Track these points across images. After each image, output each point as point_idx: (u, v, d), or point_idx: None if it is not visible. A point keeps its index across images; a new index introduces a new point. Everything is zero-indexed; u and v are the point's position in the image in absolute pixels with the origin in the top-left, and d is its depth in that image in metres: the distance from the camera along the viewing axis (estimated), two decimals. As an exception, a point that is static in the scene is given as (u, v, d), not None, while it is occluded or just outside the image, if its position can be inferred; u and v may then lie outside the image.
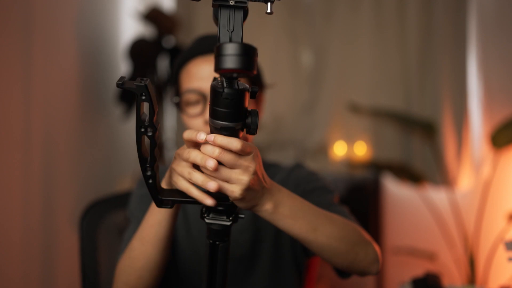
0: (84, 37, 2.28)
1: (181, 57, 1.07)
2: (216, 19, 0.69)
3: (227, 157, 0.68)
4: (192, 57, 1.04)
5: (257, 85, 1.09)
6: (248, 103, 0.78)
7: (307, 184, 1.09)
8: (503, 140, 2.19)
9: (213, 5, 0.68)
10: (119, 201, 1.30)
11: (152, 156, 0.73)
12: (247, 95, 0.68)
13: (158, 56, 2.34)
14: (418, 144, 2.45)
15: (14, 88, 1.73)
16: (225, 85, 0.66)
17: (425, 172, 2.42)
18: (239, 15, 0.67)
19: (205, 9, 2.62)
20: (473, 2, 2.42)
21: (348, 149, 2.54)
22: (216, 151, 0.68)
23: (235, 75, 0.64)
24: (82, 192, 2.13)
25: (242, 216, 0.78)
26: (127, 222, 1.06)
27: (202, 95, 1.01)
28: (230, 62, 0.61)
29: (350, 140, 2.54)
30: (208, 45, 1.04)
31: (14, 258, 1.72)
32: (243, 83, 0.68)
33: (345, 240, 0.86)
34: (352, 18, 2.53)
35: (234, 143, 0.67)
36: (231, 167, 0.69)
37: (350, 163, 2.51)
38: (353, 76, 2.54)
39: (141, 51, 2.27)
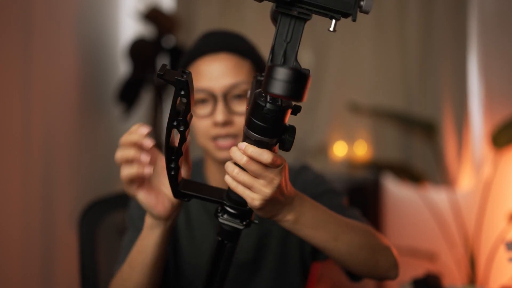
0: (84, 36, 2.28)
1: (189, 55, 1.03)
2: (274, 21, 0.66)
3: (253, 167, 0.67)
4: (200, 55, 1.00)
5: None
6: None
7: (315, 187, 1.06)
8: (504, 140, 2.19)
9: (275, 11, 0.64)
10: (119, 201, 1.29)
11: (179, 150, 0.72)
12: (289, 112, 0.66)
13: (157, 56, 2.34)
14: (418, 144, 2.45)
15: (14, 88, 1.73)
16: (268, 99, 0.63)
17: (425, 172, 2.41)
18: (299, 27, 0.63)
19: (205, 9, 2.62)
20: (473, 2, 2.42)
21: (348, 149, 2.54)
22: (243, 159, 0.66)
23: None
24: (81, 191, 2.13)
25: (256, 222, 0.78)
26: (126, 225, 1.05)
27: (212, 95, 0.98)
28: (280, 88, 0.57)
29: (350, 140, 2.54)
30: (217, 43, 1.01)
31: (14, 257, 1.72)
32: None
33: (366, 247, 0.85)
34: (353, 18, 2.53)
35: (265, 155, 0.66)
36: (256, 176, 0.68)
37: (350, 163, 2.50)
38: (354, 76, 2.53)
39: (140, 51, 2.27)
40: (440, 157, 2.39)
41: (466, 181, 2.40)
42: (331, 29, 0.61)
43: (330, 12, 0.60)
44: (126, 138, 0.73)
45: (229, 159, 0.91)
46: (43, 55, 1.90)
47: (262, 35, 2.56)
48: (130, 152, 0.72)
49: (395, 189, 2.54)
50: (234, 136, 0.99)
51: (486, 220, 2.29)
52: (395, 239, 2.52)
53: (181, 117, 0.69)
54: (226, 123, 0.97)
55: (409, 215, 2.52)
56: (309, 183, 1.08)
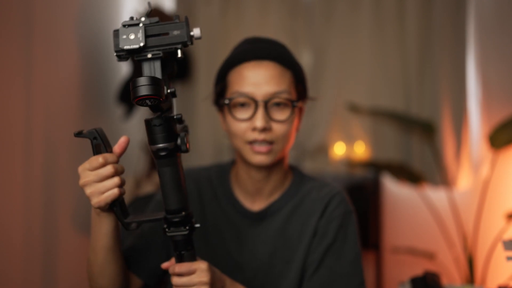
0: (85, 37, 2.29)
1: (232, 58, 1.06)
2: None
3: (179, 282, 0.89)
4: (245, 60, 1.03)
5: (303, 97, 1.09)
6: (294, 115, 1.03)
7: (340, 228, 1.06)
8: (502, 141, 2.20)
9: (135, 61, 0.82)
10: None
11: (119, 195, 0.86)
12: (174, 122, 0.82)
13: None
14: (417, 144, 2.46)
15: (15, 88, 1.74)
16: (154, 116, 0.81)
17: (424, 172, 2.42)
18: (157, 64, 0.80)
19: (205, 9, 2.63)
20: (472, 3, 2.43)
21: (347, 149, 2.55)
22: (173, 280, 0.90)
23: (147, 101, 0.76)
24: (83, 192, 2.13)
25: (198, 225, 0.89)
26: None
27: (253, 100, 1.01)
28: (143, 90, 0.75)
29: (349, 140, 2.55)
30: (262, 50, 1.04)
31: (15, 259, 1.73)
32: (169, 113, 0.84)
33: None
34: (352, 18, 2.54)
35: (177, 268, 0.88)
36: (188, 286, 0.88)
37: (349, 163, 2.51)
38: (353, 77, 2.54)
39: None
40: (438, 157, 2.40)
41: (464, 181, 2.42)
42: (179, 55, 0.79)
43: (173, 45, 0.79)
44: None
45: (264, 164, 1.03)
46: (44, 56, 1.91)
47: (262, 35, 2.57)
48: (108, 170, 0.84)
49: (394, 189, 2.55)
50: (270, 143, 1.03)
51: (484, 219, 2.31)
52: (394, 238, 2.53)
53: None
54: (265, 129, 1.01)
55: (408, 215, 2.53)
56: (337, 216, 1.07)
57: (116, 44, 0.79)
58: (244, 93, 1.01)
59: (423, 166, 2.44)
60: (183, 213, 0.86)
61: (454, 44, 2.41)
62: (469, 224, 2.36)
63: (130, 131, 2.55)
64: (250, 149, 1.03)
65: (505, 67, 2.39)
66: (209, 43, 2.59)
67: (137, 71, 2.27)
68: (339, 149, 2.56)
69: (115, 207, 0.86)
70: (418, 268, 2.36)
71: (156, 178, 2.24)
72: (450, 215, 2.39)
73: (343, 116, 2.54)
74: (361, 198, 2.38)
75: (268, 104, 1.02)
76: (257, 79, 1.01)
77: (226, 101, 1.04)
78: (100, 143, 0.85)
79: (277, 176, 1.10)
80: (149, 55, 0.79)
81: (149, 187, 2.20)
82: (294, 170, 1.17)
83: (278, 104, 1.03)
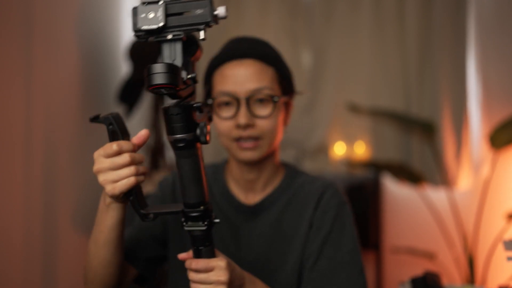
0: (85, 37, 2.29)
1: (215, 59, 1.09)
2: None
3: (196, 278, 0.86)
4: (227, 60, 1.06)
5: (289, 92, 1.11)
6: (278, 110, 1.02)
7: (336, 217, 1.08)
8: (502, 140, 2.20)
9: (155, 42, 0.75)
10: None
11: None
12: (193, 111, 0.77)
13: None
14: (417, 144, 2.46)
15: (15, 89, 1.74)
16: (171, 105, 0.76)
17: (424, 172, 2.42)
18: (178, 46, 0.74)
19: (205, 9, 2.62)
20: (472, 3, 2.43)
21: (347, 149, 2.55)
22: (189, 275, 0.87)
23: (163, 90, 0.72)
24: (83, 192, 2.13)
25: (217, 220, 0.86)
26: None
27: (236, 98, 1.03)
28: (158, 79, 0.70)
29: (349, 140, 2.55)
30: (243, 49, 1.07)
31: (15, 259, 1.73)
32: (189, 101, 0.77)
33: None
34: (352, 18, 2.54)
35: (195, 264, 0.85)
36: (204, 283, 0.86)
37: (349, 163, 2.51)
38: (353, 76, 2.54)
39: (141, 51, 2.27)
40: (439, 157, 2.40)
41: (464, 181, 2.42)
42: (201, 37, 0.73)
43: (195, 26, 0.72)
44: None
45: (252, 159, 1.04)
46: (44, 56, 1.91)
47: (262, 35, 2.57)
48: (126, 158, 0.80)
49: (394, 189, 2.55)
50: (255, 138, 1.05)
51: (484, 219, 2.30)
52: (394, 238, 2.53)
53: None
54: (248, 125, 1.03)
55: (408, 215, 2.53)
56: (332, 207, 1.10)
57: (134, 23, 0.72)
58: (227, 92, 1.04)
59: (423, 166, 2.44)
60: (202, 207, 0.82)
61: (454, 44, 2.41)
62: (470, 224, 2.36)
63: (130, 131, 2.54)
64: (237, 146, 1.06)
65: (505, 67, 2.39)
66: (209, 43, 2.58)
67: (137, 71, 2.27)
68: (339, 149, 2.56)
69: (131, 196, 0.82)
70: (418, 268, 2.36)
71: (156, 177, 2.24)
72: (450, 215, 2.39)
73: (343, 116, 2.54)
74: (361, 198, 2.39)
75: (251, 100, 1.04)
76: (239, 77, 1.04)
77: (210, 101, 1.07)
78: (116, 130, 0.80)
79: (269, 171, 1.13)
80: (169, 36, 0.73)
81: (149, 186, 2.19)
82: (286, 165, 1.19)
83: (261, 100, 1.05)
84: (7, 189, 1.69)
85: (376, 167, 2.39)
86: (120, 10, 2.67)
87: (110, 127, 0.80)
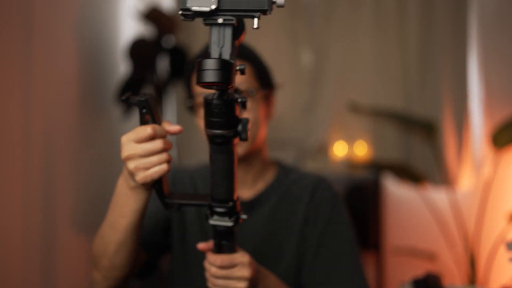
0: (84, 36, 2.28)
1: (192, 61, 1.12)
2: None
3: (220, 273, 0.86)
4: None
5: (267, 86, 1.14)
6: (257, 103, 0.98)
7: (331, 209, 1.11)
8: (504, 140, 2.19)
9: (205, 24, 0.70)
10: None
11: None
12: (236, 106, 0.73)
13: (158, 56, 2.34)
14: (418, 144, 2.45)
15: (13, 88, 1.73)
16: (214, 97, 0.71)
17: (425, 172, 2.42)
18: (228, 32, 0.68)
19: (205, 9, 2.62)
20: (473, 3, 2.42)
21: (348, 149, 2.54)
22: (212, 269, 0.87)
23: (214, 87, 0.67)
24: (82, 192, 2.13)
25: (244, 217, 0.83)
26: None
27: None
28: (209, 76, 0.65)
29: (350, 140, 2.54)
30: None
31: (14, 259, 1.72)
32: (233, 93, 0.72)
33: None
34: (352, 18, 2.53)
35: (218, 260, 0.85)
36: (228, 277, 0.87)
37: (350, 163, 2.51)
38: (353, 76, 2.53)
39: (140, 51, 2.27)
40: (440, 157, 2.39)
41: (466, 181, 2.41)
42: (255, 26, 0.66)
43: (249, 13, 0.66)
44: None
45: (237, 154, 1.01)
46: (44, 56, 1.91)
47: (262, 35, 2.57)
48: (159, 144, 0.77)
49: (395, 189, 2.54)
50: None
51: (486, 220, 2.30)
52: (395, 239, 2.52)
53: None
54: None
55: (409, 215, 2.52)
56: (326, 199, 1.12)
57: (183, 1, 0.66)
58: (203, 91, 1.03)
59: (424, 166, 2.43)
60: (230, 203, 0.80)
61: (455, 44, 2.40)
62: (471, 225, 2.35)
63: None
64: None
65: (506, 67, 2.39)
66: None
67: (137, 71, 2.26)
68: (339, 149, 2.55)
69: (157, 184, 0.79)
70: (419, 269, 2.35)
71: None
72: (451, 216, 2.38)
73: (344, 116, 2.53)
74: (361, 198, 2.38)
75: None
76: None
77: (190, 103, 1.10)
78: (149, 114, 0.75)
79: (257, 167, 1.15)
80: (220, 20, 0.67)
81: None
82: (278, 163, 1.22)
83: None
84: (6, 189, 1.68)
85: (377, 166, 2.39)
86: (119, 9, 2.66)
87: (144, 110, 0.75)
